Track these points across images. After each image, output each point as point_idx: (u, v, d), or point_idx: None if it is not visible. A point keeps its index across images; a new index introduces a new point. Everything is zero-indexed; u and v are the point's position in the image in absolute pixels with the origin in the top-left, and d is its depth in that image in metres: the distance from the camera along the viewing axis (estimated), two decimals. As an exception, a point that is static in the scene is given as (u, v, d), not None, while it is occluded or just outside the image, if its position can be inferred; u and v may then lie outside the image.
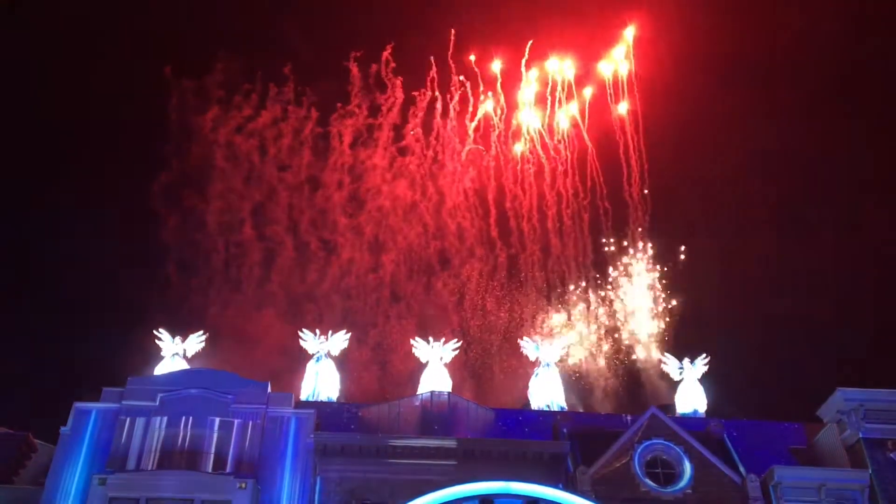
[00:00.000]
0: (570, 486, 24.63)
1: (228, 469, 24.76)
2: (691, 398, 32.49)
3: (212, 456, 25.04)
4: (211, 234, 56.02)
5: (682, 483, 25.79)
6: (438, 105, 58.14)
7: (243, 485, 24.13)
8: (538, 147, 57.87)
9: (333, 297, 53.96)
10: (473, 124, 58.20)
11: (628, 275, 55.16)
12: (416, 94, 58.57)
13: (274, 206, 57.51)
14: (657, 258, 55.81)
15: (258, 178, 57.68)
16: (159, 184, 55.48)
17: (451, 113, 57.82)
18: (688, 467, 26.02)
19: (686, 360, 33.57)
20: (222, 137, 57.64)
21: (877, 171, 63.86)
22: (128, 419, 25.32)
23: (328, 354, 32.78)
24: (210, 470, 24.67)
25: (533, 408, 32.17)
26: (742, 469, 26.64)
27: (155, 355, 31.56)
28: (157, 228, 56.09)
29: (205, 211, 56.03)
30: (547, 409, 31.80)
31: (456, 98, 58.07)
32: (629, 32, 58.71)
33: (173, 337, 32.06)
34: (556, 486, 19.54)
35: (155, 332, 32.05)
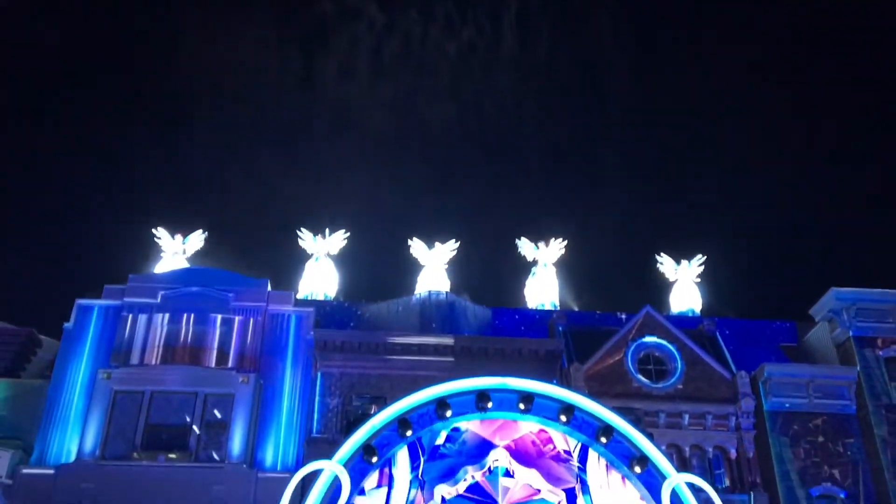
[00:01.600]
0: (564, 382, 25.23)
1: (231, 364, 25.27)
2: (686, 298, 32.93)
3: (214, 352, 25.49)
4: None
5: (673, 379, 26.46)
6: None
7: (245, 379, 24.68)
8: None
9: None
10: None
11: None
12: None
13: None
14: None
15: None
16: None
17: None
18: (679, 364, 26.63)
19: (684, 260, 33.86)
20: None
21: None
22: (130, 315, 25.69)
23: (327, 254, 33.00)
24: (213, 365, 25.18)
25: (529, 307, 32.60)
26: (733, 366, 27.27)
27: (155, 254, 31.77)
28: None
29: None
30: (543, 308, 32.23)
31: None
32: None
33: (173, 235, 32.21)
34: (550, 382, 19.96)
35: (154, 230, 32.18)
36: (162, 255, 31.72)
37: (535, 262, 33.84)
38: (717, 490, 18.45)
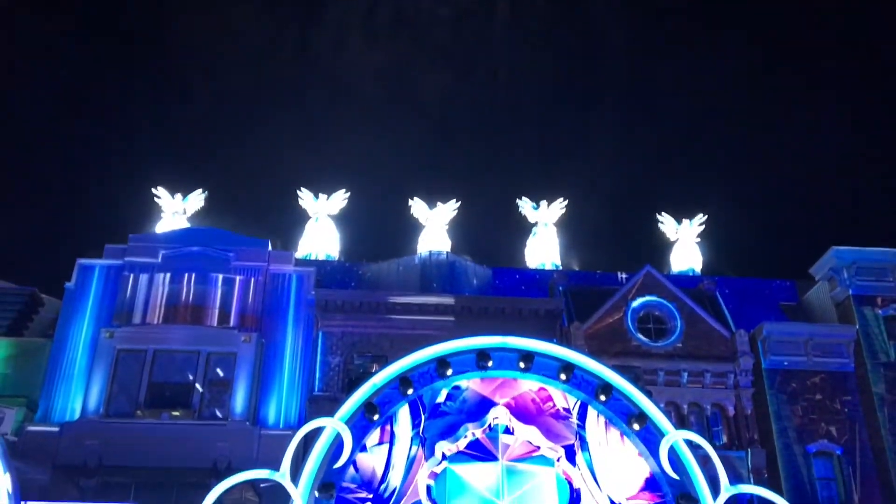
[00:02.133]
0: (564, 341, 25.36)
1: (232, 323, 25.37)
2: (686, 257, 32.97)
3: (216, 311, 25.57)
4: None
5: (673, 338, 26.61)
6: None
7: (247, 338, 24.81)
8: None
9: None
10: None
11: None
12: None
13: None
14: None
15: None
16: None
17: None
18: (679, 323, 26.76)
19: (685, 220, 33.83)
20: None
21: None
22: (131, 275, 25.71)
23: (327, 214, 32.97)
24: (215, 324, 25.29)
25: (530, 267, 32.66)
26: (732, 324, 27.42)
27: (155, 213, 31.75)
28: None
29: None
30: (543, 267, 32.28)
31: None
32: None
33: (172, 195, 32.15)
34: (550, 341, 20.05)
35: (153, 189, 32.12)
36: (162, 214, 31.71)
37: (535, 222, 33.82)
38: (714, 447, 18.64)
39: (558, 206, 34.01)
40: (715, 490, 17.34)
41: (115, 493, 21.21)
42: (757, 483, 23.12)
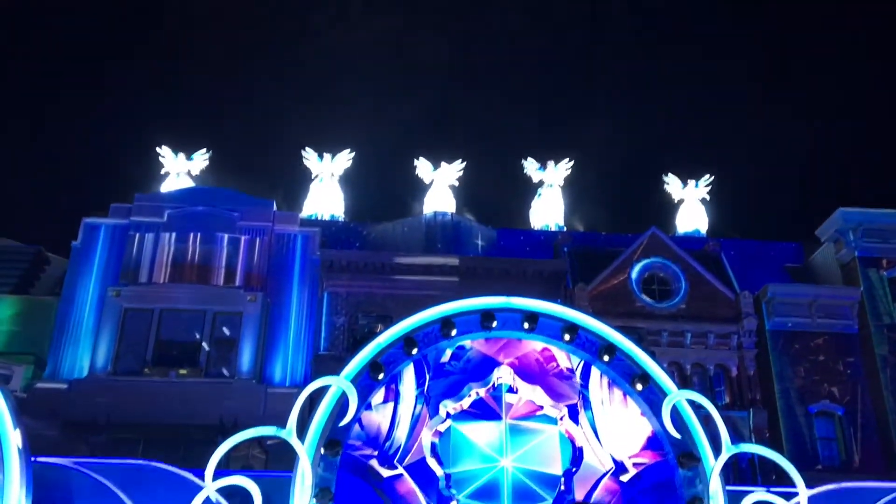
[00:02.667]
0: (569, 302, 25.43)
1: (238, 283, 25.49)
2: (692, 218, 32.88)
3: (222, 270, 25.68)
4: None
5: (677, 299, 26.66)
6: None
7: (253, 297, 24.93)
8: None
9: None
10: None
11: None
12: None
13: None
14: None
15: None
16: None
17: None
18: (683, 284, 26.78)
19: (689, 181, 33.68)
20: None
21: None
22: (137, 235, 25.78)
23: (332, 174, 32.88)
24: (221, 284, 25.41)
25: (535, 227, 32.60)
26: (736, 286, 27.43)
27: (159, 173, 31.70)
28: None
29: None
30: (548, 228, 32.24)
31: None
32: None
33: (176, 154, 32.06)
34: (555, 302, 20.08)
35: (157, 149, 32.02)
36: (166, 173, 31.63)
37: (540, 183, 33.69)
38: (716, 407, 18.72)
39: (564, 167, 33.84)
40: (717, 449, 17.49)
41: (124, 449, 21.51)
42: (758, 443, 23.31)
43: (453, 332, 18.48)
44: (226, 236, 26.07)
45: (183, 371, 23.67)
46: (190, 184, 30.84)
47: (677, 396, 17.92)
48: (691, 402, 18.05)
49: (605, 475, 18.74)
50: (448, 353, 19.18)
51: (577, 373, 19.22)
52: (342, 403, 17.07)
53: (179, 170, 31.68)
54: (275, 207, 27.64)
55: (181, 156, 32.02)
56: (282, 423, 16.72)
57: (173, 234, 25.86)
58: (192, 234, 25.90)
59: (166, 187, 30.54)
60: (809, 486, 17.19)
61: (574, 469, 18.91)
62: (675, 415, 17.75)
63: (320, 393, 17.38)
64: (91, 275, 25.37)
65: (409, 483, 18.20)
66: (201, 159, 32.21)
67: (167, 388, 23.10)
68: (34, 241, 27.70)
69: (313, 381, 17.99)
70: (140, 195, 27.06)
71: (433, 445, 18.81)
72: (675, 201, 33.59)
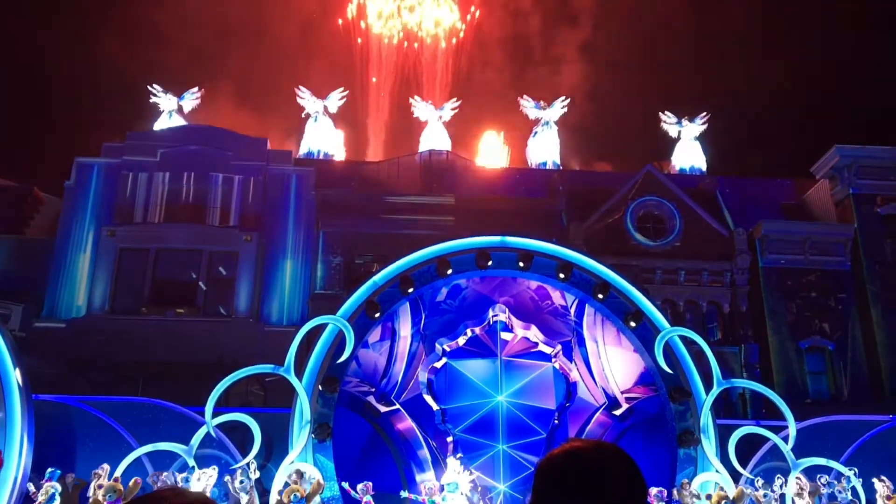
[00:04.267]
0: (564, 241, 25.45)
1: (233, 223, 25.44)
2: (689, 156, 32.76)
3: (217, 210, 25.60)
4: None
5: (671, 237, 26.72)
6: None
7: (248, 237, 24.93)
8: None
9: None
10: None
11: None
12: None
13: None
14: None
15: None
16: None
17: None
18: (678, 222, 26.82)
19: (685, 119, 33.44)
20: None
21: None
22: (130, 174, 25.60)
23: (326, 112, 32.57)
24: (216, 223, 25.35)
25: (531, 166, 32.45)
26: (731, 223, 27.48)
27: (151, 112, 31.35)
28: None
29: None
30: (545, 166, 32.11)
31: None
32: None
33: (168, 93, 31.63)
34: (550, 241, 20.11)
35: (150, 87, 31.60)
36: (158, 111, 31.27)
37: (537, 121, 33.45)
38: (708, 342, 19.00)
39: (560, 105, 33.55)
40: (708, 384, 17.79)
41: (124, 386, 21.74)
42: (749, 378, 23.69)
43: (449, 272, 18.58)
44: (220, 176, 25.90)
45: (180, 310, 23.80)
46: (182, 122, 30.50)
47: (670, 333, 18.14)
48: (684, 338, 18.28)
49: (598, 410, 19.11)
50: (444, 291, 19.33)
51: (572, 310, 19.41)
52: (339, 341, 17.26)
53: (171, 108, 31.29)
54: (268, 146, 27.41)
55: (172, 96, 31.59)
56: (280, 361, 16.92)
57: (167, 174, 25.69)
58: (185, 174, 25.73)
59: (158, 126, 30.20)
60: (799, 419, 17.55)
61: (568, 404, 19.25)
62: (668, 351, 17.99)
63: (318, 331, 17.55)
64: (85, 214, 25.27)
65: (406, 418, 18.54)
66: (193, 98, 31.80)
67: (165, 326, 23.25)
68: (27, 181, 27.48)
69: (310, 319, 18.15)
70: (132, 133, 26.76)
71: (429, 382, 19.11)
72: (672, 139, 33.41)
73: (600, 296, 18.67)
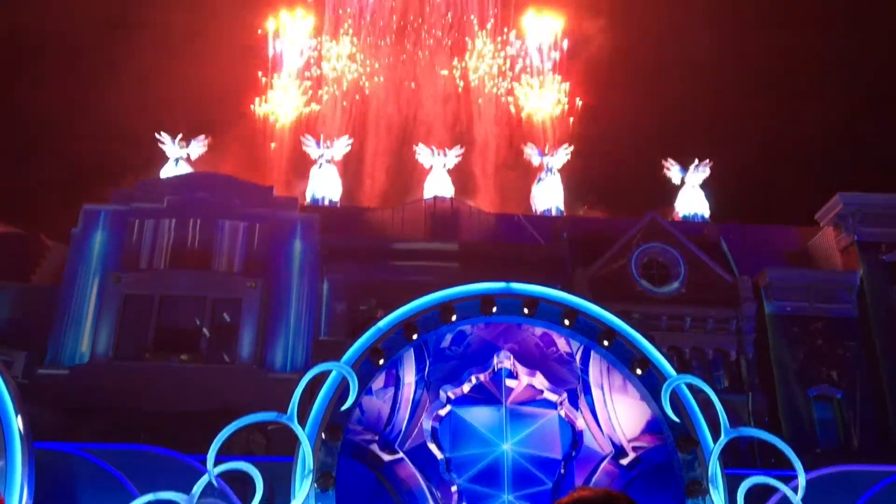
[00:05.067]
0: (569, 287, 25.42)
1: (238, 269, 25.48)
2: (692, 203, 32.87)
3: (222, 256, 25.67)
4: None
5: (676, 283, 26.68)
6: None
7: (253, 284, 24.94)
8: None
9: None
10: None
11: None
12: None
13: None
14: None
15: None
16: None
17: None
18: (682, 269, 26.79)
19: (692, 165, 33.62)
20: None
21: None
22: (137, 221, 25.75)
23: (331, 160, 32.86)
24: (221, 270, 25.39)
25: (535, 212, 32.58)
26: (735, 270, 27.45)
27: (159, 159, 31.67)
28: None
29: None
30: (549, 213, 32.24)
31: None
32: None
33: (175, 140, 31.98)
34: (554, 287, 20.08)
35: (157, 135, 31.97)
36: (165, 159, 31.59)
37: (541, 169, 33.70)
38: (716, 390, 18.81)
39: (563, 153, 33.83)
40: (716, 433, 17.56)
41: (126, 434, 21.56)
42: (758, 426, 23.41)
43: (453, 318, 18.51)
44: (226, 222, 26.02)
45: (184, 357, 23.72)
46: (189, 169, 30.79)
47: (677, 380, 17.98)
48: (690, 387, 18.11)
49: (604, 459, 18.85)
50: (448, 338, 19.23)
51: (577, 357, 19.28)
52: (343, 389, 17.12)
53: (178, 156, 31.61)
54: (274, 193, 27.60)
55: (180, 141, 31.94)
56: (283, 409, 16.78)
57: (173, 221, 25.82)
58: (192, 220, 25.86)
59: (165, 173, 30.48)
60: (808, 469, 17.28)
61: (574, 453, 19.01)
62: (675, 399, 17.81)
63: (321, 379, 17.44)
64: (91, 261, 25.36)
65: (410, 467, 18.30)
66: (200, 145, 32.15)
67: (168, 373, 23.14)
68: (34, 228, 27.66)
69: (314, 366, 18.04)
70: (141, 181, 27.02)
71: (434, 430, 18.89)
72: (675, 186, 33.57)
73: (606, 343, 18.55)
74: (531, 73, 49.58)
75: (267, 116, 44.54)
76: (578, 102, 48.57)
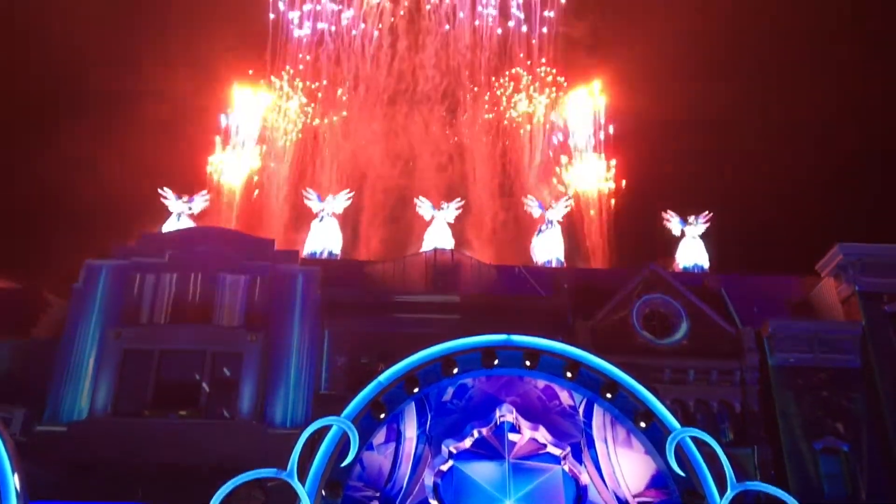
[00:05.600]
0: (570, 339, 25.34)
1: (238, 323, 25.43)
2: (692, 254, 32.98)
3: (223, 310, 25.63)
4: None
5: (679, 335, 26.58)
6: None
7: (254, 338, 24.87)
8: None
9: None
10: None
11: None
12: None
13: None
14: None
15: None
16: None
17: None
18: (684, 320, 26.73)
19: (691, 217, 33.81)
20: None
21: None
22: (138, 275, 25.78)
23: (332, 213, 33.10)
24: (221, 324, 25.35)
25: (535, 264, 32.64)
26: (738, 321, 27.37)
27: (160, 214, 31.91)
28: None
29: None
30: (549, 264, 32.30)
31: None
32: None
33: (178, 196, 32.29)
34: (556, 339, 20.05)
35: (160, 190, 32.27)
36: (167, 214, 31.86)
37: (541, 221, 33.91)
38: (721, 444, 18.60)
39: (563, 205, 34.06)
40: (722, 487, 17.34)
41: (124, 491, 21.28)
42: (764, 480, 23.10)
43: (455, 371, 18.45)
44: (227, 276, 26.07)
45: (183, 412, 23.52)
46: (191, 224, 31.00)
47: (682, 433, 17.82)
48: (695, 440, 17.95)
49: (609, 514, 18.57)
50: (450, 391, 19.13)
51: (580, 410, 19.15)
52: (343, 444, 16.98)
53: (180, 211, 31.88)
54: (275, 246, 27.71)
55: (183, 197, 32.26)
56: (282, 465, 16.61)
57: (174, 275, 25.87)
58: (193, 274, 25.90)
59: (167, 228, 30.69)
60: (816, 523, 17.01)
61: (578, 508, 18.73)
62: (680, 452, 17.65)
63: (321, 433, 17.29)
64: (91, 316, 25.34)
65: (412, 524, 18.03)
66: (202, 200, 32.46)
67: (167, 429, 22.94)
68: (35, 283, 27.67)
69: (314, 421, 17.90)
70: (142, 236, 27.15)
71: (436, 485, 18.65)
72: (675, 238, 33.70)
73: (609, 395, 18.44)
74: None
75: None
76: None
